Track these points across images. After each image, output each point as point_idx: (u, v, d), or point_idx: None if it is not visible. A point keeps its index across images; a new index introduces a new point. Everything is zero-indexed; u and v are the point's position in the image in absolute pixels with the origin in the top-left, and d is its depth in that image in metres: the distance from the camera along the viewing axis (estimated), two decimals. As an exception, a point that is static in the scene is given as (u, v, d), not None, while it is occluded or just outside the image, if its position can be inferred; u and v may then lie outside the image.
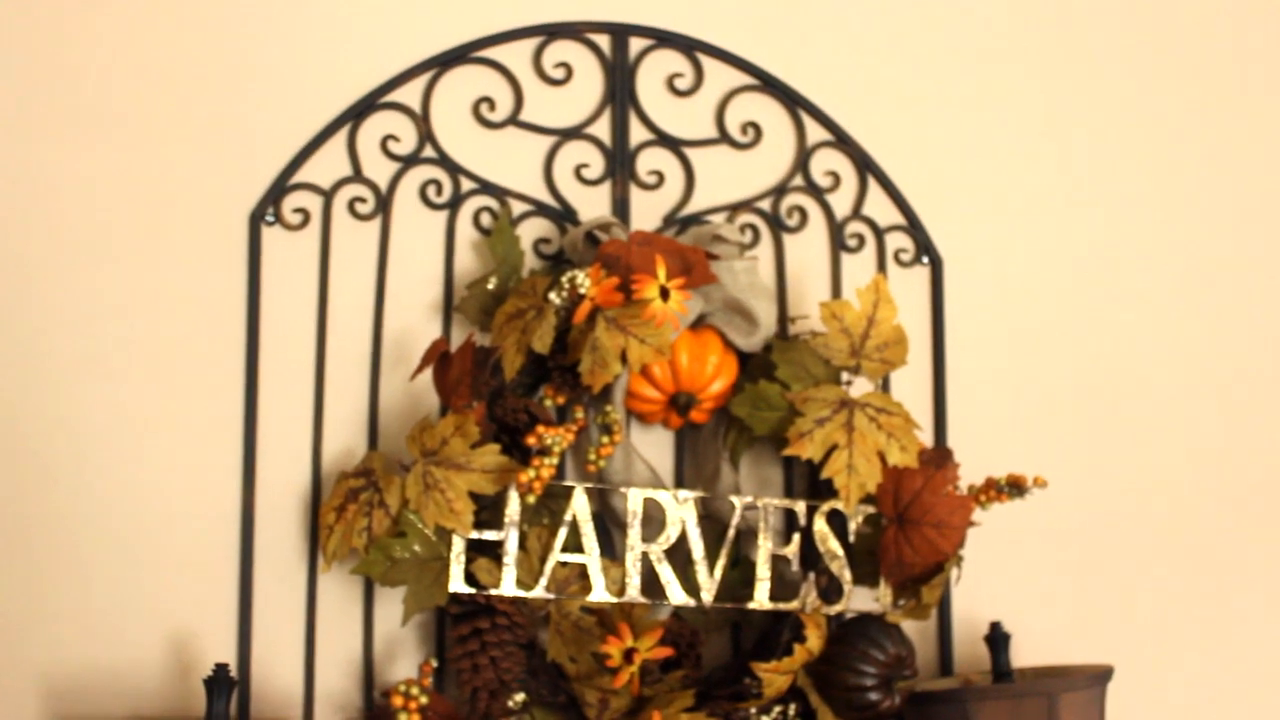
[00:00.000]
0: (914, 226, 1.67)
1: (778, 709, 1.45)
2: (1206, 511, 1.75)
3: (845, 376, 1.51)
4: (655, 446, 1.55)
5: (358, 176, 1.50)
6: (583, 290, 1.38)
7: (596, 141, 1.57)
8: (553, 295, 1.40)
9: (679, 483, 1.55)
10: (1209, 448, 1.76)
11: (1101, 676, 1.49)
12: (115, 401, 1.41)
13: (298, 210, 1.48)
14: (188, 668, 1.40)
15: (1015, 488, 1.51)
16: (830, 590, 1.50)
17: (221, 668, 1.30)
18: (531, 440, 1.37)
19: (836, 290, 1.63)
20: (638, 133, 1.59)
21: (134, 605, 1.40)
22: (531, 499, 1.36)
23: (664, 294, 1.39)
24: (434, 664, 1.38)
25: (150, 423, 1.42)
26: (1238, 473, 1.77)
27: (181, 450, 1.42)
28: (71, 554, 1.39)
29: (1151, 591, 1.72)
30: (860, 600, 1.52)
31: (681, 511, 1.45)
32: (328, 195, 1.49)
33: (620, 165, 1.57)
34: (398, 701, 1.36)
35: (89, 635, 1.38)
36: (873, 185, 1.66)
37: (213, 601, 1.42)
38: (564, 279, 1.39)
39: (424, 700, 1.36)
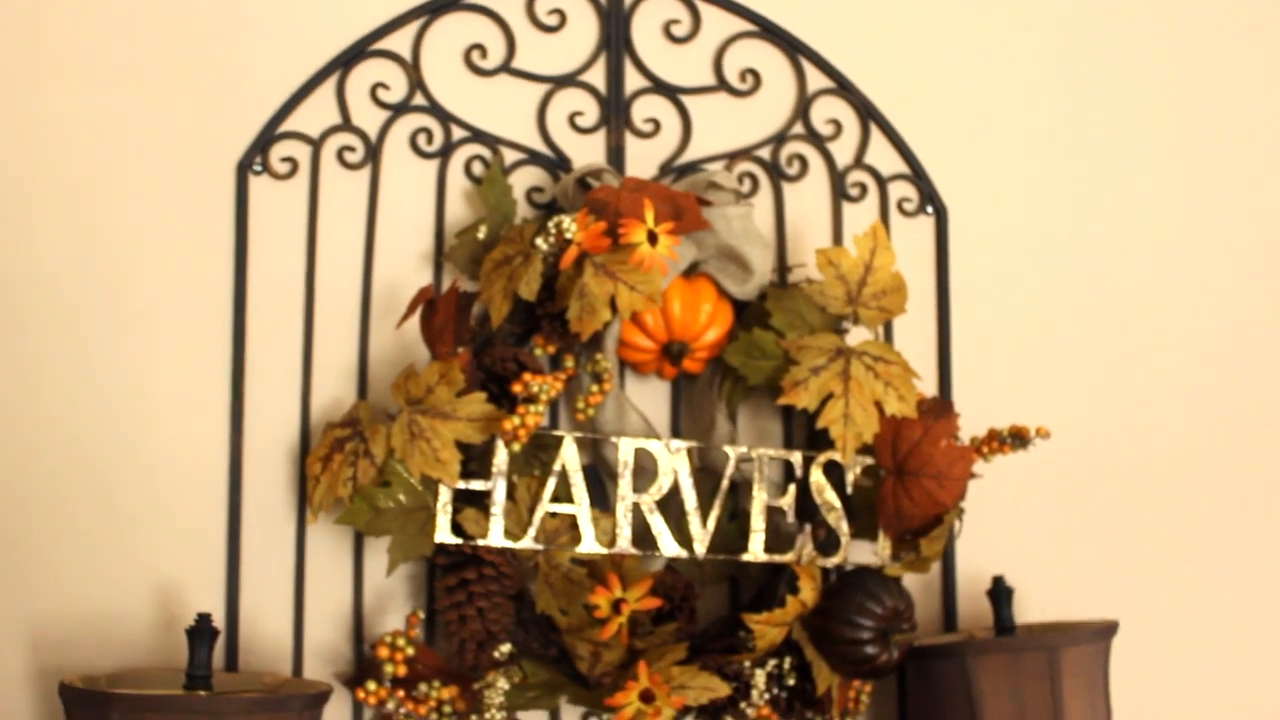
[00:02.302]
0: (918, 176, 1.63)
1: (772, 663, 1.43)
2: (1213, 464, 1.71)
3: (844, 326, 1.48)
4: (650, 398, 1.52)
5: (347, 125, 1.48)
6: (569, 235, 1.36)
7: (591, 89, 1.55)
8: (539, 241, 1.38)
9: (675, 435, 1.52)
10: (1217, 399, 1.72)
11: (1105, 631, 1.46)
12: (101, 352, 1.40)
13: (286, 159, 1.46)
14: (175, 619, 1.39)
15: (1018, 439, 1.48)
16: (828, 543, 1.47)
17: (204, 617, 1.29)
18: (518, 388, 1.34)
19: (838, 241, 1.60)
20: (633, 80, 1.56)
21: (121, 556, 1.39)
22: (517, 447, 1.34)
23: (652, 239, 1.36)
24: (421, 616, 1.37)
25: (137, 374, 1.41)
26: (1245, 424, 1.72)
27: (169, 401, 1.41)
28: (58, 505, 1.38)
29: (1159, 545, 1.68)
30: (859, 554, 1.49)
31: (674, 461, 1.42)
32: (316, 144, 1.47)
33: (615, 113, 1.55)
34: (384, 653, 1.34)
35: (76, 586, 1.37)
36: (875, 134, 1.63)
37: (200, 553, 1.40)
38: (550, 224, 1.37)
39: (410, 652, 1.35)
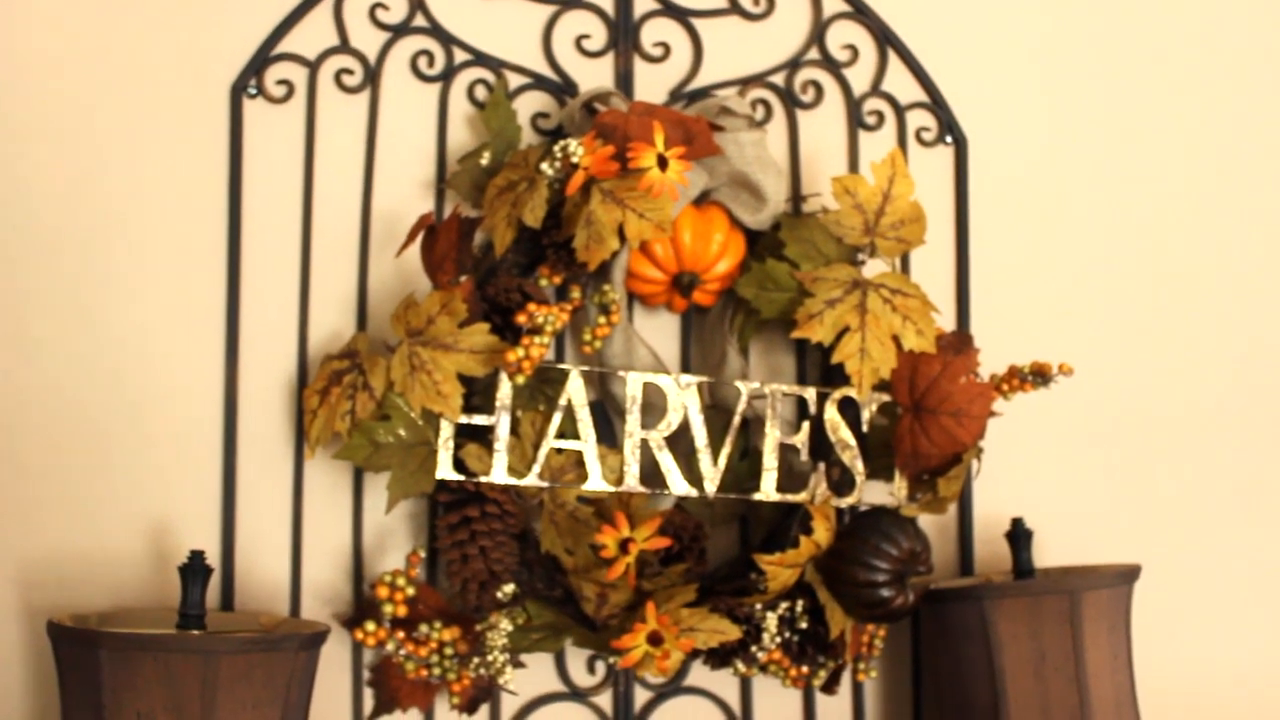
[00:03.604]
0: (937, 104, 1.57)
1: (784, 605, 1.38)
2: (1235, 405, 1.66)
3: (860, 258, 1.42)
4: (659, 331, 1.47)
5: (345, 47, 1.42)
6: (575, 160, 1.30)
7: (598, 11, 1.49)
8: (544, 166, 1.32)
9: (685, 369, 1.47)
10: (1243, 338, 1.67)
11: (1128, 575, 1.41)
12: (92, 282, 1.35)
13: (281, 82, 1.41)
14: (169, 557, 1.35)
15: (1040, 376, 1.43)
16: (842, 483, 1.42)
17: (197, 555, 1.24)
18: (522, 319, 1.29)
19: (854, 171, 1.54)
20: (642, 2, 1.50)
21: (114, 493, 1.34)
22: (521, 379, 1.29)
23: (662, 163, 1.31)
24: (422, 555, 1.32)
25: (129, 305, 1.36)
26: (1268, 365, 1.67)
27: (162, 333, 1.36)
28: (49, 441, 1.33)
29: (1180, 488, 1.63)
30: (874, 494, 1.44)
31: (684, 397, 1.37)
32: (313, 66, 1.41)
33: (624, 36, 1.49)
34: (383, 593, 1.30)
35: (68, 524, 1.33)
36: (893, 60, 1.56)
37: (195, 489, 1.36)
38: (556, 148, 1.31)
39: (410, 592, 1.30)
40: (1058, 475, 1.58)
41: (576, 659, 1.44)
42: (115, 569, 1.34)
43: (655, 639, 1.28)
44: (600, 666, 1.44)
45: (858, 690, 1.50)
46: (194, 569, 1.24)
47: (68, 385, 1.34)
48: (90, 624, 1.25)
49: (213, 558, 1.31)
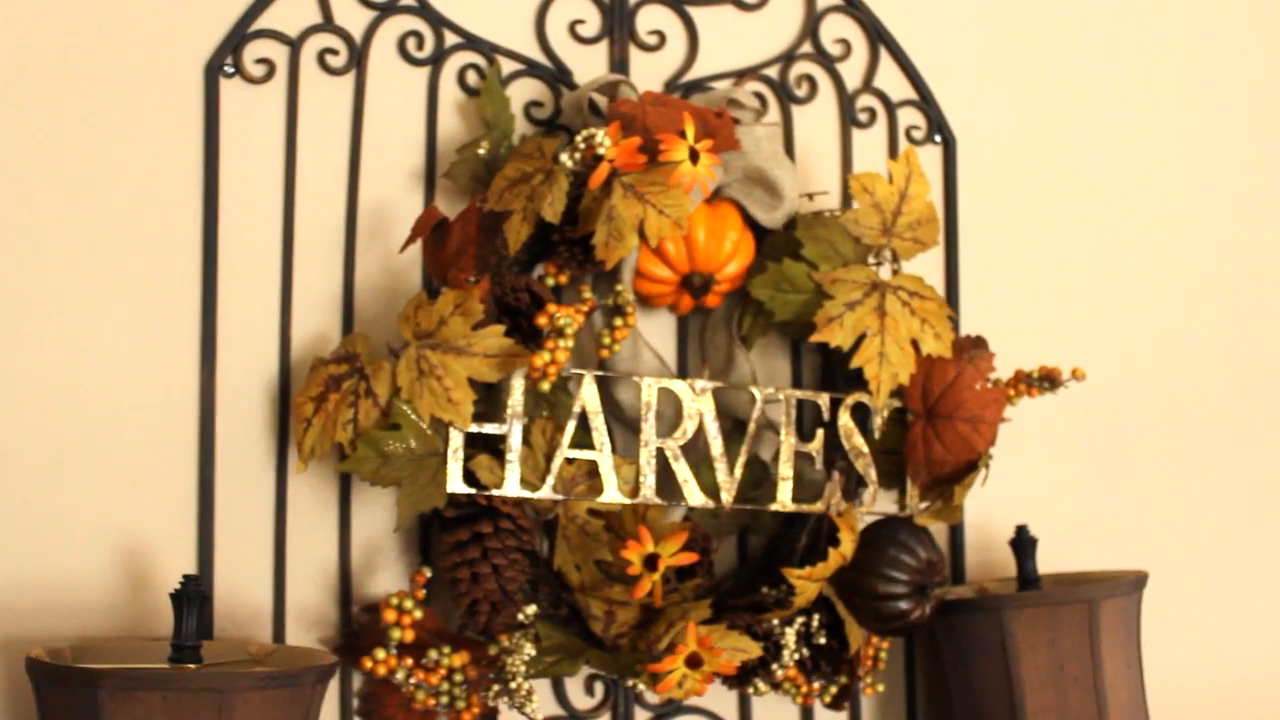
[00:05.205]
0: (926, 102, 1.54)
1: (800, 620, 1.32)
2: (1222, 407, 1.67)
3: (872, 260, 1.38)
4: (656, 333, 1.40)
5: (328, 25, 1.32)
6: (601, 151, 1.22)
7: (592, -6, 1.41)
8: (564, 157, 1.24)
9: (682, 373, 1.41)
10: (1232, 339, 1.67)
11: (1139, 582, 1.39)
12: (54, 282, 1.22)
13: (261, 61, 1.29)
14: (141, 581, 1.22)
15: (1049, 381, 1.40)
16: (848, 491, 1.37)
17: (191, 580, 1.13)
18: (542, 321, 1.21)
19: (846, 168, 1.49)
20: (637, -13, 1.43)
21: (80, 511, 1.21)
22: (546, 385, 1.21)
23: (694, 156, 1.24)
24: (428, 573, 1.23)
25: (96, 304, 1.23)
26: (1270, 365, 1.68)
27: (132, 335, 1.24)
28: (6, 455, 1.19)
29: (1169, 492, 1.63)
30: (878, 502, 1.39)
31: (699, 404, 1.30)
32: (295, 45, 1.30)
33: (619, 22, 1.41)
34: (389, 616, 1.20)
35: (28, 546, 1.19)
36: (885, 57, 1.52)
37: (168, 506, 1.24)
38: (579, 138, 1.23)
39: (418, 615, 1.21)
40: (1042, 480, 1.56)
41: (573, 681, 1.36)
42: (82, 595, 1.21)
43: (694, 661, 1.21)
44: (599, 688, 1.36)
45: (855, 704, 1.45)
46: (188, 596, 1.13)
47: (27, 391, 1.20)
48: (65, 658, 1.12)
49: (200, 580, 1.19)
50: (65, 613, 1.20)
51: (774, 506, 1.33)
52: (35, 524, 1.20)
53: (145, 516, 1.23)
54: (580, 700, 1.36)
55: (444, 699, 1.22)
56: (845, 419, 1.35)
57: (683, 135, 1.24)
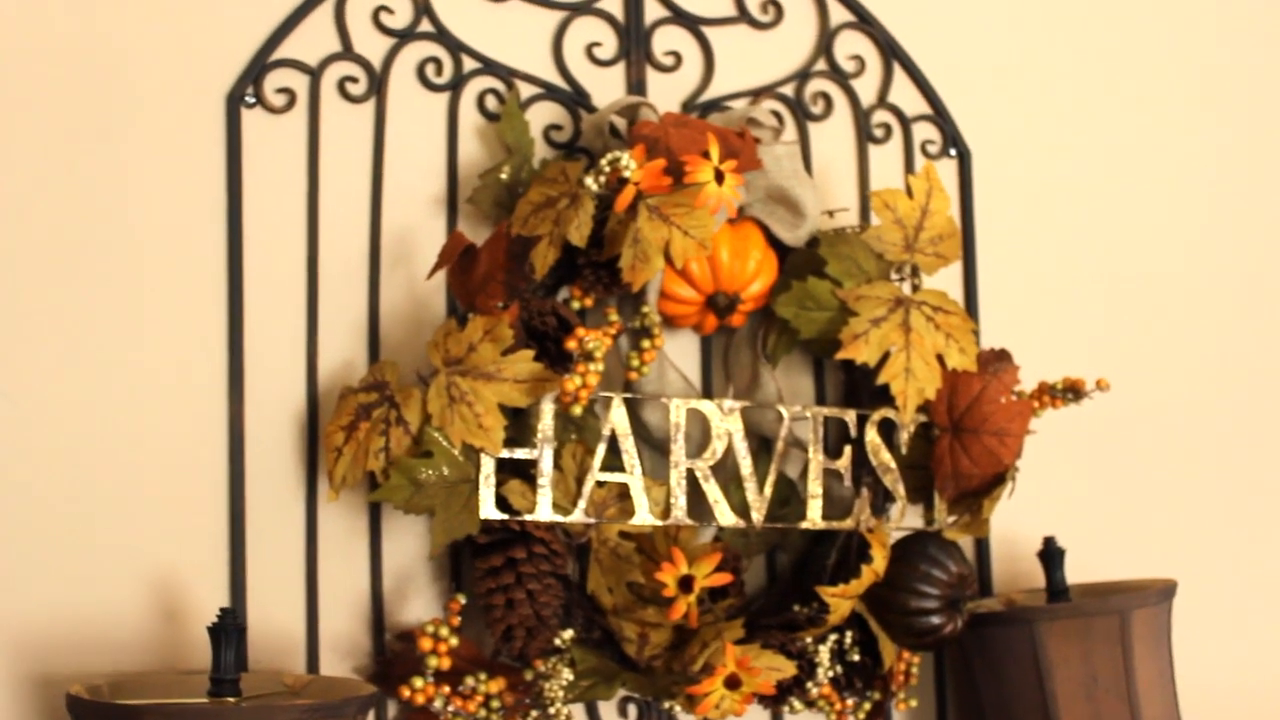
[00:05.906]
0: (940, 116, 1.54)
1: (833, 637, 1.32)
2: (1230, 414, 1.67)
3: (895, 276, 1.38)
4: (681, 354, 1.40)
5: (348, 53, 1.32)
6: (627, 173, 1.22)
7: (609, 17, 1.41)
8: (589, 180, 1.24)
9: (706, 393, 1.41)
10: (1254, 346, 1.68)
11: (1168, 591, 1.39)
12: (81, 315, 1.21)
13: (281, 90, 1.29)
14: (173, 614, 1.22)
15: (1073, 392, 1.40)
16: (875, 507, 1.37)
17: (228, 613, 1.12)
18: (572, 345, 1.21)
19: (864, 184, 1.50)
20: (652, 10, 1.43)
21: (111, 546, 1.20)
22: (578, 409, 1.21)
23: (719, 178, 1.24)
24: (462, 600, 1.22)
25: (122, 337, 1.22)
26: (1269, 366, 1.69)
27: (159, 367, 1.23)
28: (36, 489, 1.19)
29: (1193, 500, 1.63)
30: (906, 517, 1.39)
31: (727, 424, 1.30)
32: (315, 74, 1.30)
33: (635, 44, 1.41)
34: (426, 644, 1.20)
35: (60, 582, 1.19)
36: (898, 72, 1.53)
37: (199, 538, 1.23)
38: (604, 161, 1.23)
39: (454, 642, 1.21)
40: (1061, 491, 1.56)
41: (607, 704, 1.35)
42: (113, 630, 1.20)
43: (733, 682, 1.21)
44: (633, 710, 1.36)
45: (885, 720, 1.45)
46: (225, 629, 1.12)
47: (55, 425, 1.20)
48: (104, 694, 1.11)
49: (236, 613, 1.18)
50: (98, 648, 1.19)
51: (804, 524, 1.32)
52: (67, 559, 1.19)
53: (176, 549, 1.23)
54: (612, 723, 1.36)
55: (482, 727, 1.22)
56: (872, 435, 1.35)
57: (707, 156, 1.25)
